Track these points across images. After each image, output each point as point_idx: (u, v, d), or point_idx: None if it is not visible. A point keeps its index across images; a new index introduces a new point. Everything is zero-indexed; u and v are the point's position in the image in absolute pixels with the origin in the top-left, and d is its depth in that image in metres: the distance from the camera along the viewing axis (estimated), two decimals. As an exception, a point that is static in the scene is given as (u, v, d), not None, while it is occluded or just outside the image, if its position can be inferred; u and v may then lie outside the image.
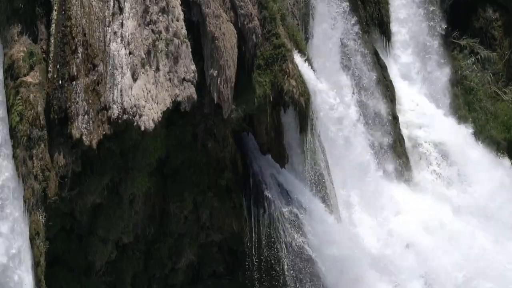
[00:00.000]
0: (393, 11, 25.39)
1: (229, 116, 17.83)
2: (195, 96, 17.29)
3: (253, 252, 18.56)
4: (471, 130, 25.44)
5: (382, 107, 23.51)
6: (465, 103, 26.33)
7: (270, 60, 18.46)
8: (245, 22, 18.16)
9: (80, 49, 16.77)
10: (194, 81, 17.32)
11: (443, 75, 26.49)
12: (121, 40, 16.90)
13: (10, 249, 16.63)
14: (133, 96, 16.63)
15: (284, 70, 18.47)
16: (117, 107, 16.56)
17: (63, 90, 16.66)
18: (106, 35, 16.98)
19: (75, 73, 16.68)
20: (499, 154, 25.41)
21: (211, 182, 18.53)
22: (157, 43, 17.12)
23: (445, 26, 26.90)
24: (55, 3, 17.02)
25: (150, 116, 16.67)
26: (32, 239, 16.91)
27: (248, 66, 18.26)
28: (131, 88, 16.70)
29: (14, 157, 16.97)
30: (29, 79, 17.08)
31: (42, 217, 16.81)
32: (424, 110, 25.26)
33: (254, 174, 18.78)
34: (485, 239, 22.25)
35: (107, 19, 17.06)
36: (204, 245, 18.84)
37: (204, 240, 18.80)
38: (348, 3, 22.76)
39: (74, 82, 16.67)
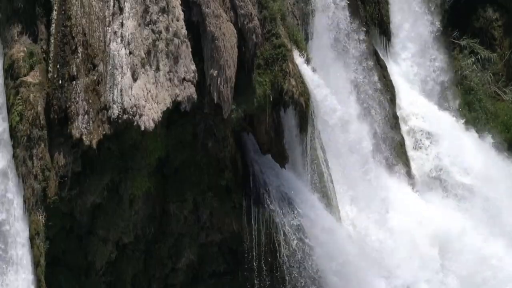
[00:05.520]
0: (393, 11, 25.39)
1: (229, 116, 17.83)
2: (195, 96, 17.30)
3: (253, 252, 18.56)
4: (476, 134, 25.46)
5: (381, 107, 23.51)
6: (465, 103, 26.32)
7: (270, 60, 18.46)
8: (245, 22, 18.16)
9: (80, 49, 16.78)
10: (194, 81, 17.32)
11: (443, 75, 26.49)
12: (121, 40, 16.91)
13: None
14: (133, 96, 16.64)
15: (284, 70, 18.47)
16: (117, 107, 16.56)
17: (63, 90, 16.67)
18: (106, 35, 16.99)
19: (75, 73, 16.70)
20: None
21: (211, 182, 18.52)
22: (157, 43, 17.13)
23: (445, 26, 26.91)
24: (55, 3, 17.03)
25: (150, 116, 16.67)
26: (32, 239, 16.93)
27: (248, 66, 18.26)
28: (131, 88, 16.70)
29: (14, 157, 17.01)
30: (29, 79, 17.10)
31: (42, 217, 16.83)
32: (424, 110, 25.25)
33: (254, 174, 18.77)
34: (490, 242, 22.24)
35: (107, 19, 17.07)
36: (204, 245, 18.83)
37: (204, 240, 18.79)
38: (348, 3, 22.76)
39: (74, 82, 16.69)
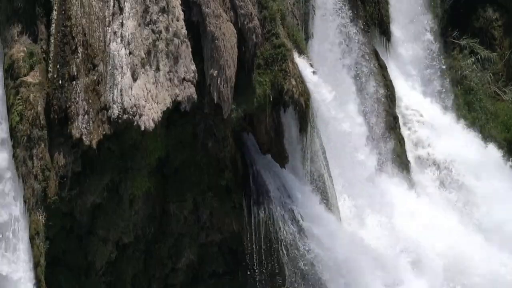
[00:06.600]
0: (393, 10, 25.41)
1: (229, 116, 17.84)
2: (195, 96, 17.30)
3: (253, 252, 18.56)
4: (474, 133, 25.45)
5: (381, 107, 23.52)
6: (465, 103, 26.33)
7: (270, 59, 18.47)
8: (245, 22, 18.16)
9: (80, 49, 16.78)
10: (194, 81, 17.33)
11: (443, 75, 26.50)
12: (121, 40, 16.91)
13: None
14: (133, 96, 16.64)
15: (284, 70, 18.48)
16: (117, 107, 16.56)
17: (63, 90, 16.67)
18: (106, 35, 16.99)
19: (75, 73, 16.69)
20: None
21: (211, 182, 18.53)
22: (157, 43, 17.13)
23: (445, 26, 26.92)
24: (55, 3, 17.03)
25: (150, 116, 16.68)
26: (32, 239, 16.93)
27: (248, 66, 18.26)
28: (131, 88, 16.70)
29: (14, 157, 17.00)
30: (29, 79, 17.10)
31: (42, 217, 16.82)
32: (424, 110, 25.27)
33: (254, 174, 18.78)
34: (488, 248, 22.24)
35: (107, 19, 17.07)
36: (204, 245, 18.84)
37: (204, 240, 18.79)
38: (348, 3, 22.78)
39: (74, 82, 16.68)
